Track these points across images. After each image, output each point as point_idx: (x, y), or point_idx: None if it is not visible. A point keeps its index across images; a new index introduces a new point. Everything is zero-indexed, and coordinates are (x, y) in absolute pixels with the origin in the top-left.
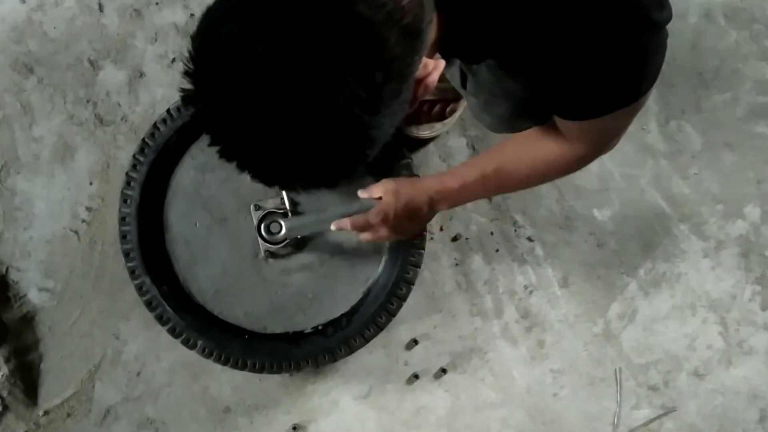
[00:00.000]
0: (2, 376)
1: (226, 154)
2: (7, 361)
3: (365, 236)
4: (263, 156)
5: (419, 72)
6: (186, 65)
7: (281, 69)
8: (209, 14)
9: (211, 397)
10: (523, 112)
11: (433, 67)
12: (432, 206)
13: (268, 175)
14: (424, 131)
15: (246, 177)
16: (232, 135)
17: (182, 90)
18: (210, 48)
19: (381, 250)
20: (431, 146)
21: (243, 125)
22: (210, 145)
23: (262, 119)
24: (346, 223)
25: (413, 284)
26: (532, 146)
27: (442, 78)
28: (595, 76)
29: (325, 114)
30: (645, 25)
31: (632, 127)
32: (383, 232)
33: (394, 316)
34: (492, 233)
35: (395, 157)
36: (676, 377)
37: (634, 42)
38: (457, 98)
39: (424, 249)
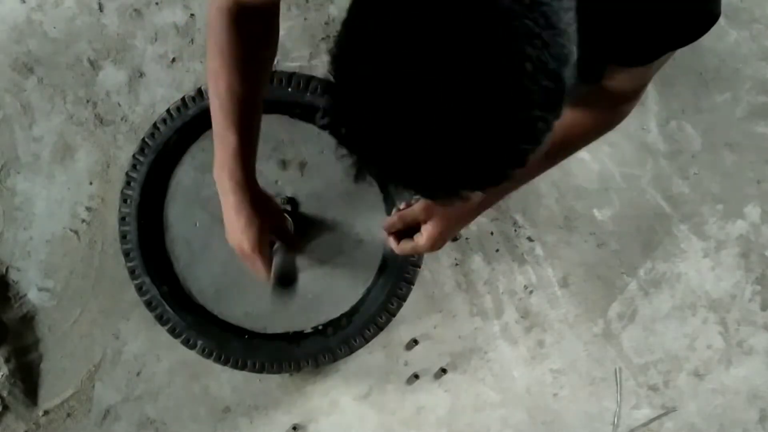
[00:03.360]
0: (2, 376)
1: (396, 176)
2: (7, 361)
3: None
4: (444, 163)
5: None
6: (330, 88)
7: (450, 58)
8: (349, 27)
9: (211, 397)
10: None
11: None
12: (480, 210)
13: (446, 180)
14: None
15: None
16: (403, 149)
17: (326, 119)
18: (356, 57)
19: (381, 250)
20: None
21: (417, 134)
22: (360, 165)
23: (445, 117)
24: (394, 245)
25: (413, 284)
26: (582, 112)
27: None
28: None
29: (513, 83)
30: None
31: (632, 127)
32: (424, 249)
33: (394, 316)
34: (492, 233)
35: None
36: (676, 377)
37: None
38: None
39: None
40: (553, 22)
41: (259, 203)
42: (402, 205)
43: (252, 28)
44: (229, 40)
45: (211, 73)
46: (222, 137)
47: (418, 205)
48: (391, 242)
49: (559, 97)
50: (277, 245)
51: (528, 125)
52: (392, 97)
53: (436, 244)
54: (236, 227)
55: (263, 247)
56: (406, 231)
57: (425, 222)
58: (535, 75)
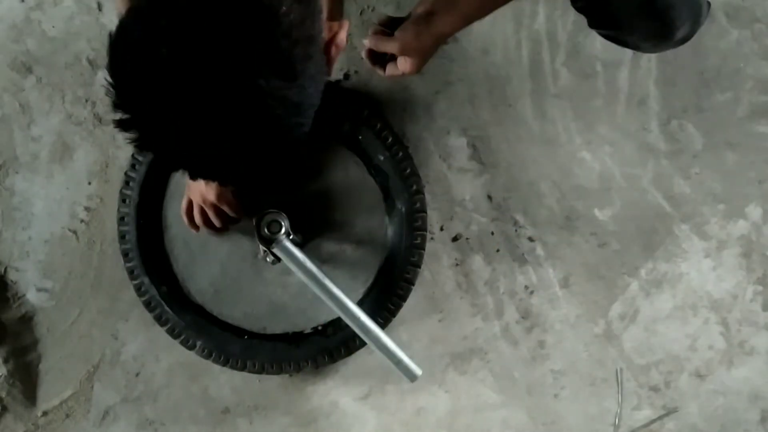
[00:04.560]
0: (1, 376)
1: (172, 165)
2: (5, 361)
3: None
4: (205, 157)
5: (325, 34)
6: (107, 87)
7: (192, 65)
8: (117, 35)
9: (211, 397)
10: None
11: (338, 27)
12: (451, 31)
13: (216, 173)
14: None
15: None
16: (169, 143)
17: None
18: (121, 64)
19: (380, 250)
20: (431, 146)
21: (175, 131)
22: (152, 156)
23: (192, 121)
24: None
25: (413, 284)
26: None
27: None
28: None
29: (247, 93)
30: None
31: (633, 127)
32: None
33: (394, 316)
34: (492, 233)
35: (397, 158)
36: (678, 378)
37: None
38: None
39: (424, 249)
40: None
41: None
42: (370, 32)
43: None
44: None
45: None
46: None
47: (394, 43)
48: (378, 70)
49: (290, 66)
50: None
51: (281, 133)
52: (167, 117)
53: (419, 69)
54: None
55: (225, 192)
56: (381, 57)
57: (402, 56)
58: (264, 71)
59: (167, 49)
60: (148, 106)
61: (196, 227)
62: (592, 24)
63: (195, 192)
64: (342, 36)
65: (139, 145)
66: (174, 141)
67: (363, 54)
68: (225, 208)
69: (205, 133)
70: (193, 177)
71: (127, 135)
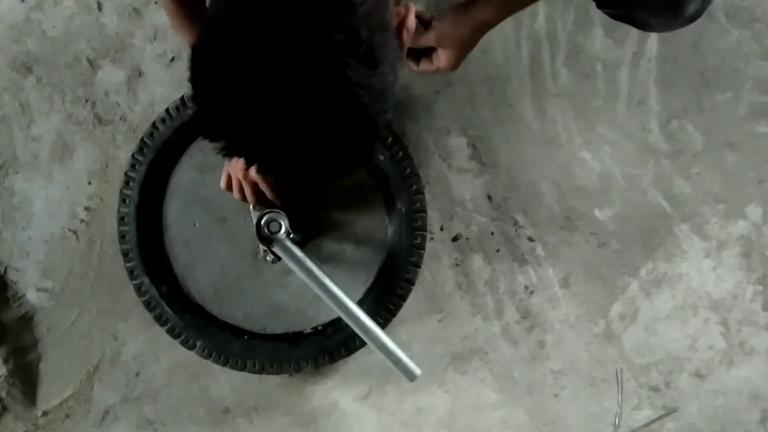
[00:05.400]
0: (1, 376)
1: (261, 166)
2: (5, 361)
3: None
4: (293, 153)
5: (395, 19)
6: (190, 91)
7: (280, 65)
8: (198, 47)
9: (211, 397)
10: None
11: (405, 11)
12: (486, 28)
13: (303, 168)
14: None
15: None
16: (260, 146)
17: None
18: (207, 73)
19: (380, 250)
20: (431, 146)
21: (266, 133)
22: (227, 153)
23: (283, 119)
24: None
25: (413, 284)
26: None
27: None
28: None
29: (337, 85)
30: None
31: (633, 127)
32: (445, 69)
33: (394, 316)
34: (492, 233)
35: (397, 158)
36: (678, 378)
37: None
38: None
39: (424, 249)
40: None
41: None
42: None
43: None
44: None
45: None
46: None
47: (430, 34)
48: (411, 64)
49: (371, 54)
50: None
51: (368, 122)
52: (255, 117)
53: (456, 64)
54: None
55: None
56: (418, 52)
57: (438, 47)
58: (348, 60)
59: (252, 52)
60: (238, 111)
61: (244, 198)
62: (601, 3)
63: (236, 167)
64: (411, 19)
65: (228, 152)
66: (265, 143)
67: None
68: (265, 188)
69: (297, 130)
70: (279, 175)
71: (216, 144)
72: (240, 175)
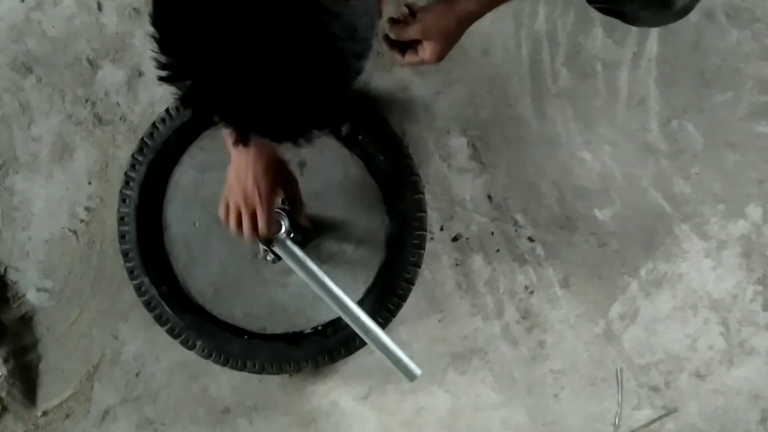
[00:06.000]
0: (1, 376)
1: (232, 116)
2: (5, 361)
3: (410, 59)
4: (259, 89)
5: None
6: (156, 46)
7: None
8: None
9: (210, 397)
10: None
11: None
12: (471, 20)
13: (270, 110)
14: None
15: None
16: (226, 90)
17: (161, 73)
18: (167, 7)
19: (380, 250)
20: (431, 146)
21: (231, 62)
22: (205, 113)
23: (247, 44)
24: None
25: (413, 284)
26: None
27: None
28: None
29: (304, 4)
30: None
31: (633, 127)
32: (430, 61)
33: (394, 316)
34: (492, 233)
35: (397, 158)
36: (678, 378)
37: None
38: None
39: (424, 249)
40: None
41: (276, 160)
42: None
43: None
44: None
45: None
46: None
47: (415, 26)
48: (396, 55)
49: (360, 26)
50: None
51: (337, 59)
52: (223, 55)
53: (441, 56)
54: (250, 173)
55: (272, 200)
56: (404, 44)
57: (423, 40)
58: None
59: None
60: (201, 40)
61: (241, 233)
62: None
63: (236, 193)
64: None
65: (188, 94)
66: (230, 75)
67: (380, 37)
68: (262, 216)
69: (263, 61)
70: (247, 124)
71: (175, 87)
72: (240, 201)
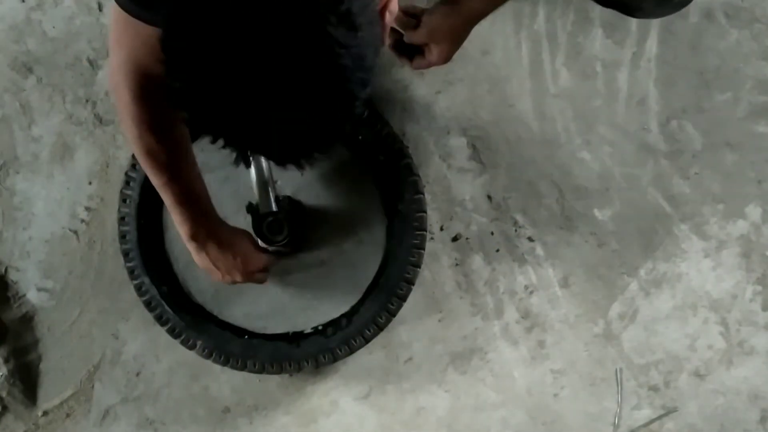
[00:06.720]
0: (1, 376)
1: (236, 141)
2: (6, 361)
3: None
4: (267, 116)
5: (379, 1)
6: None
7: (259, 18)
8: (172, 14)
9: (211, 397)
10: None
11: None
12: (474, 21)
13: (281, 143)
14: None
15: (247, 177)
16: (236, 118)
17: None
18: (179, 32)
19: (380, 250)
20: (431, 146)
21: (243, 92)
22: (215, 137)
23: (260, 75)
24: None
25: (413, 284)
26: None
27: None
28: None
29: (317, 41)
30: None
31: (633, 127)
32: (438, 63)
33: (394, 316)
34: (492, 233)
35: (397, 158)
36: (677, 377)
37: None
38: None
39: (424, 249)
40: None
41: (234, 231)
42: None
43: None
44: (140, 110)
45: (128, 138)
46: (163, 193)
47: (421, 30)
48: (404, 61)
49: (349, 16)
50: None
51: (345, 89)
52: (231, 77)
53: (449, 57)
54: (220, 265)
55: (254, 256)
56: (411, 49)
57: (430, 43)
58: (326, 19)
59: (233, 6)
60: (215, 68)
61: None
62: None
63: (218, 274)
64: (394, 3)
65: (195, 119)
66: (240, 103)
67: (387, 44)
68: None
69: (272, 88)
70: (252, 148)
71: (186, 110)
72: (230, 278)
